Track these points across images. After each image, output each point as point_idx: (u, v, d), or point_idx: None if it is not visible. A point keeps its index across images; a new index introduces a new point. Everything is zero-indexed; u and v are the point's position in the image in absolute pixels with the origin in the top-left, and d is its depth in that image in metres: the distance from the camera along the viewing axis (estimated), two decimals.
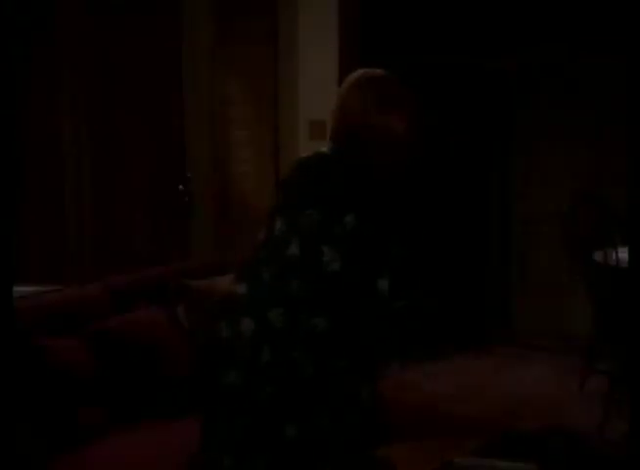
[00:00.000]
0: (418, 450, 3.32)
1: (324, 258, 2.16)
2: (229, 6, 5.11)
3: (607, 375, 4.10)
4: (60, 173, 5.35)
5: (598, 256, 4.16)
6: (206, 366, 2.30)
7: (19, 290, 3.68)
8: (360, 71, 2.35)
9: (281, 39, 4.89)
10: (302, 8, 4.78)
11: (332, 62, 4.69)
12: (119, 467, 2.67)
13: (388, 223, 2.23)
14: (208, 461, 2.22)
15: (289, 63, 4.88)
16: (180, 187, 4.96)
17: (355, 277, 2.17)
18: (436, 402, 4.20)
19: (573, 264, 4.51)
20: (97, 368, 2.90)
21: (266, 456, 2.14)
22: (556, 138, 5.46)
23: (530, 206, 5.61)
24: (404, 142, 2.27)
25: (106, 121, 5.29)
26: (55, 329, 2.94)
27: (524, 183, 5.63)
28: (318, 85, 4.74)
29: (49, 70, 5.20)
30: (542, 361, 5.14)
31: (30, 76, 5.13)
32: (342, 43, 4.68)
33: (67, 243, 5.34)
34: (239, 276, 2.29)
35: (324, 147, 2.33)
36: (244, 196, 5.16)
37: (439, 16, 5.28)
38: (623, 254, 3.81)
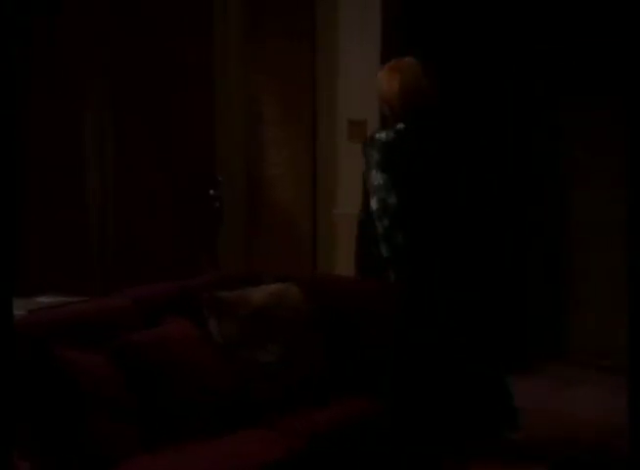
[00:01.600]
0: None
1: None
2: None
3: None
4: (82, 176, 5.40)
5: None
6: None
7: (42, 300, 3.74)
8: (401, 61, 3.80)
9: (319, 34, 4.89)
10: (342, 1, 4.78)
11: (373, 58, 4.68)
12: None
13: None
14: None
15: (327, 59, 4.88)
16: (211, 191, 4.98)
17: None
18: None
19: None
20: (124, 385, 2.91)
21: None
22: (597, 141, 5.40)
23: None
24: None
25: (131, 122, 5.33)
26: (80, 342, 2.94)
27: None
28: (358, 83, 4.74)
29: (72, 74, 5.27)
30: (598, 382, 5.07)
31: (52, 81, 5.21)
32: (384, 39, 4.67)
33: (89, 250, 5.38)
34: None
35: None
36: (277, 200, 5.16)
37: (476, 8, 5.29)
38: None
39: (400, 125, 3.78)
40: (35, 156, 5.42)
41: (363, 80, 4.71)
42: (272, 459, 2.90)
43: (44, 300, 3.74)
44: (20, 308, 3.58)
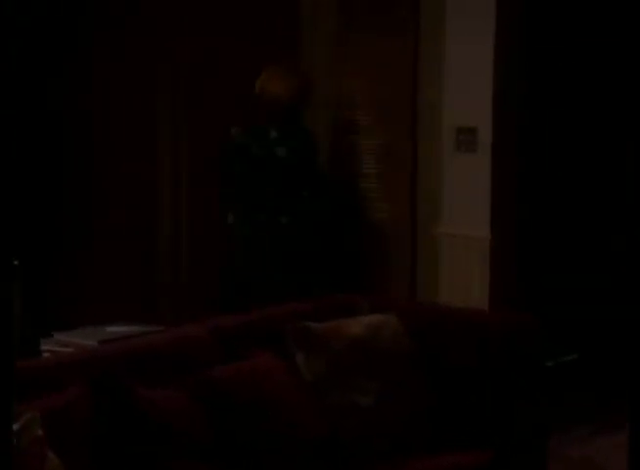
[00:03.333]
0: None
1: None
2: None
3: None
4: (154, 187, 5.48)
5: None
6: None
7: (113, 330, 3.80)
8: (269, 67, 4.83)
9: (422, 29, 4.86)
10: None
11: (485, 55, 4.64)
12: None
13: None
14: None
15: (431, 57, 4.85)
16: None
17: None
18: None
19: None
20: (201, 422, 2.90)
21: None
22: None
23: None
24: None
25: (208, 128, 5.39)
26: (154, 376, 2.97)
27: None
28: (468, 84, 4.68)
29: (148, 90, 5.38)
30: None
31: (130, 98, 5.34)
32: (499, 32, 4.60)
33: (159, 273, 5.44)
34: None
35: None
36: (371, 217, 5.13)
37: None
38: None
39: (268, 129, 4.80)
40: (106, 165, 5.55)
41: (473, 81, 4.66)
42: None
43: (115, 329, 3.80)
44: (90, 339, 3.65)
